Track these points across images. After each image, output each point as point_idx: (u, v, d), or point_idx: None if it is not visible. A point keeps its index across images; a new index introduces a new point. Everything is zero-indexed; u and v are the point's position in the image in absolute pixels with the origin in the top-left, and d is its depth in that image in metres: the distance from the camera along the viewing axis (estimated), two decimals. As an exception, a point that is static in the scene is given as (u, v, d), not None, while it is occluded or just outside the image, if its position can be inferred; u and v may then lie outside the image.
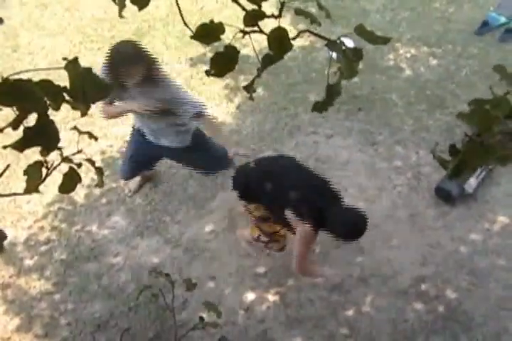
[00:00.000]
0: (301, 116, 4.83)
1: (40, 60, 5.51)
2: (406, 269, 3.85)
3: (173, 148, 3.67)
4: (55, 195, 4.29)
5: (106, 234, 4.15)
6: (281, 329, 3.59)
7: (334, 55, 4.51)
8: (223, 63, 1.15)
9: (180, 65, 5.40)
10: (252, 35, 1.26)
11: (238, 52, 1.15)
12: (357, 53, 1.15)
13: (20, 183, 4.22)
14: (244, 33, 1.12)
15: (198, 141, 3.72)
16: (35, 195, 4.23)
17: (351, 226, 2.92)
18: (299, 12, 1.13)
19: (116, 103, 3.40)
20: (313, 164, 4.43)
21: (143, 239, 4.12)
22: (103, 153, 4.63)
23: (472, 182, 4.15)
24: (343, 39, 4.64)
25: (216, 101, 5.00)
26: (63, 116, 4.65)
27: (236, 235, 4.00)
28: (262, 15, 1.11)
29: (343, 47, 1.15)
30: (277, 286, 3.78)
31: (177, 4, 1.10)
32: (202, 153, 3.77)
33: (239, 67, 4.80)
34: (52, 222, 4.25)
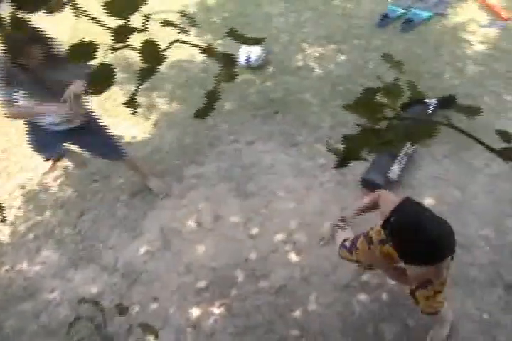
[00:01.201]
0: (220, 126, 4.83)
1: None
2: (345, 263, 3.88)
3: (76, 129, 3.67)
4: (-21, 237, 4.13)
5: (38, 270, 4.01)
6: (232, 340, 3.56)
7: (242, 61, 4.46)
8: (100, 81, 1.13)
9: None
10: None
11: (114, 68, 1.13)
12: (230, 58, 1.16)
13: None
14: (115, 49, 1.11)
15: (95, 120, 3.82)
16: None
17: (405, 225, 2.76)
18: (165, 23, 1.12)
19: (22, 102, 3.30)
20: (239, 172, 4.44)
21: (77, 270, 4.00)
22: (23, 187, 4.49)
23: (395, 169, 4.25)
24: (252, 46, 4.63)
25: (132, 122, 4.93)
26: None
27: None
28: (131, 31, 1.09)
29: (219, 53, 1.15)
30: (221, 298, 3.75)
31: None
32: (99, 134, 3.84)
33: (151, 84, 4.80)
34: (-22, 266, 4.08)
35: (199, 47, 1.17)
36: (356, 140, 1.17)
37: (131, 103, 1.21)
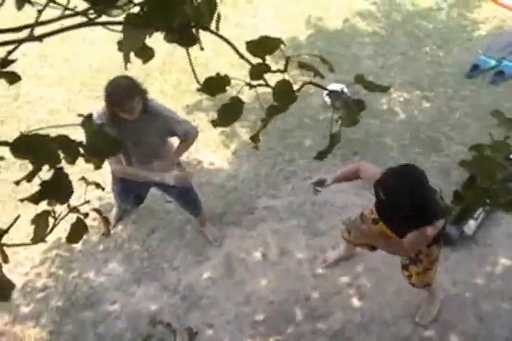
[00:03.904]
0: (297, 161, 4.86)
1: (38, 108, 5.56)
2: (407, 314, 3.80)
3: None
4: (52, 242, 4.25)
5: (103, 281, 4.11)
6: (283, 378, 3.52)
7: (327, 99, 4.43)
8: (229, 114, 1.18)
9: (177, 112, 5.43)
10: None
11: (243, 103, 1.19)
12: (359, 104, 1.19)
13: (18, 232, 4.16)
14: (251, 86, 1.16)
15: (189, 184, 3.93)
16: (32, 242, 4.20)
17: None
18: (302, 65, 1.17)
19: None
20: (310, 208, 4.44)
21: (140, 286, 4.07)
22: (101, 199, 4.61)
23: (471, 224, 4.14)
24: (337, 84, 4.70)
25: (212, 148, 5.03)
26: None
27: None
28: (267, 70, 1.14)
29: (344, 97, 1.19)
30: (276, 334, 3.72)
31: (192, 68, 1.13)
32: (186, 192, 3.94)
33: (236, 114, 4.81)
34: (49, 269, 4.21)
35: (326, 89, 1.21)
36: (468, 198, 1.17)
37: (255, 138, 1.25)
